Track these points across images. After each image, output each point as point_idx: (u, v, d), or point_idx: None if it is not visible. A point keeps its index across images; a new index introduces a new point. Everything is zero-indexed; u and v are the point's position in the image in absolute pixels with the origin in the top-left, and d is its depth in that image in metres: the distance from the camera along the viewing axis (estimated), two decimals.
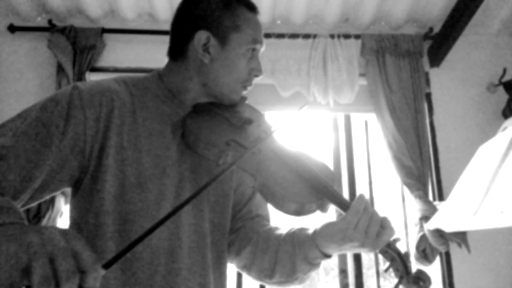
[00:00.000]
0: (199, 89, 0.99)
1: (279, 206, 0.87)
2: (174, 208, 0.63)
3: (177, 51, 1.00)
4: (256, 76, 1.00)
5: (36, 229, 0.54)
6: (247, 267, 1.03)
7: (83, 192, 0.87)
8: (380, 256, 0.99)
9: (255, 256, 1.00)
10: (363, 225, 0.84)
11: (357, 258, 2.47)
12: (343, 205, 0.88)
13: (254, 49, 0.98)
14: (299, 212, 0.87)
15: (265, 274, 0.99)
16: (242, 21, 0.97)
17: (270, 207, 1.11)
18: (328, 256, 0.92)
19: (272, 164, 0.91)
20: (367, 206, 0.86)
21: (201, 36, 0.95)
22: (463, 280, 2.40)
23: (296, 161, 0.93)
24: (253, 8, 1.00)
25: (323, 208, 0.89)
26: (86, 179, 0.86)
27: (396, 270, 0.88)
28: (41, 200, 0.86)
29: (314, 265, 0.94)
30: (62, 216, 2.28)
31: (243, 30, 0.96)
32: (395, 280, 0.89)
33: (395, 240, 0.90)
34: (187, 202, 0.64)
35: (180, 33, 0.99)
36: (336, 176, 0.98)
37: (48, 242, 0.52)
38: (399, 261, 0.88)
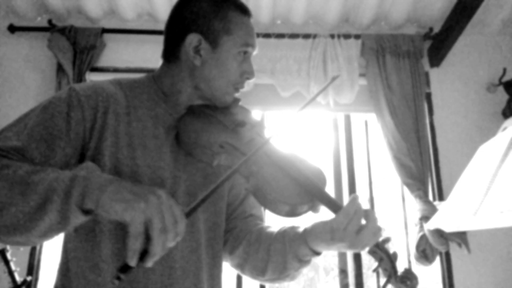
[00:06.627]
0: (192, 91, 0.99)
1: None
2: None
3: (170, 53, 1.00)
4: (248, 78, 1.01)
5: (150, 190, 0.72)
6: (241, 266, 1.04)
7: None
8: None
9: (248, 255, 1.02)
10: (353, 228, 0.84)
11: (357, 258, 2.47)
12: (334, 207, 0.88)
13: (246, 52, 0.98)
14: (291, 213, 0.87)
15: (257, 272, 1.01)
16: (233, 24, 0.97)
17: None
18: (318, 253, 0.93)
19: (265, 166, 0.91)
20: (358, 208, 0.86)
21: (193, 39, 0.96)
22: (463, 280, 2.40)
23: (289, 164, 0.93)
24: (245, 11, 1.00)
25: (314, 209, 0.90)
26: None
27: (384, 270, 0.89)
28: None
29: (304, 262, 0.95)
30: None
31: (235, 33, 0.96)
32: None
33: (384, 241, 0.90)
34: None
35: (173, 36, 1.00)
36: (328, 180, 0.98)
37: (161, 203, 0.70)
38: (387, 261, 0.88)
